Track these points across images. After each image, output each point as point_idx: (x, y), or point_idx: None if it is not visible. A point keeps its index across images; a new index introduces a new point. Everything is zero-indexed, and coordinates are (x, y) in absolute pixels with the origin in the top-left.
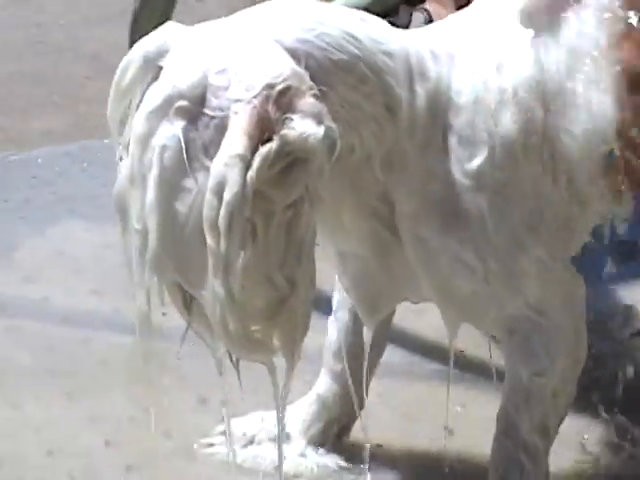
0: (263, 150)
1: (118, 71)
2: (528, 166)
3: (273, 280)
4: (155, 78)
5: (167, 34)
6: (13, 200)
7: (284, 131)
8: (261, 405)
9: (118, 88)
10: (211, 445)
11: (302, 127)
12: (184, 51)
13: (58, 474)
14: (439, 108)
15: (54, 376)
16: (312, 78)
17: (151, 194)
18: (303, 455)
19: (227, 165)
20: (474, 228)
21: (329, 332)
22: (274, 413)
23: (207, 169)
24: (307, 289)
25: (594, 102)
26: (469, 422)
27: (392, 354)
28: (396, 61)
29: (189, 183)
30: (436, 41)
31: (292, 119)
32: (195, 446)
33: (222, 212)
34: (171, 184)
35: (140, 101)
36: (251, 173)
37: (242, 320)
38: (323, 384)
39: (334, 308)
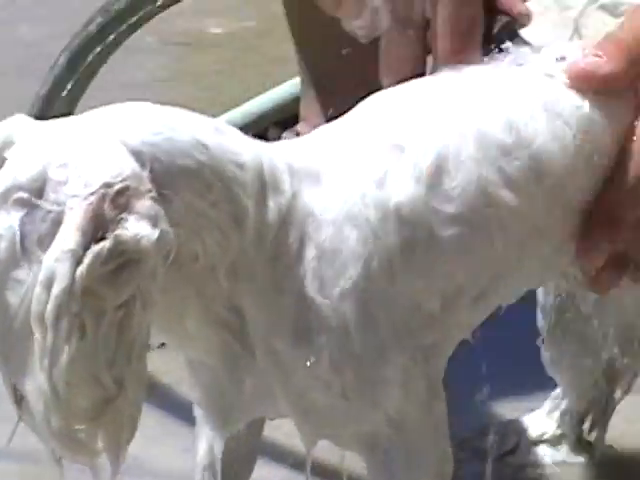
0: (95, 248)
1: None
2: (406, 281)
3: (100, 379)
4: None
5: (13, 127)
6: None
7: (118, 231)
8: None
9: None
10: None
11: (136, 228)
12: (28, 144)
13: None
14: (294, 223)
15: None
16: (156, 181)
17: None
18: None
19: (57, 260)
20: (332, 341)
21: (197, 447)
22: None
23: (41, 262)
24: (136, 391)
25: None
26: None
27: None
28: (247, 173)
29: (22, 275)
30: (296, 155)
31: (127, 219)
32: None
33: (49, 306)
34: (4, 275)
35: None
36: (81, 269)
37: (65, 418)
38: None
39: (198, 421)
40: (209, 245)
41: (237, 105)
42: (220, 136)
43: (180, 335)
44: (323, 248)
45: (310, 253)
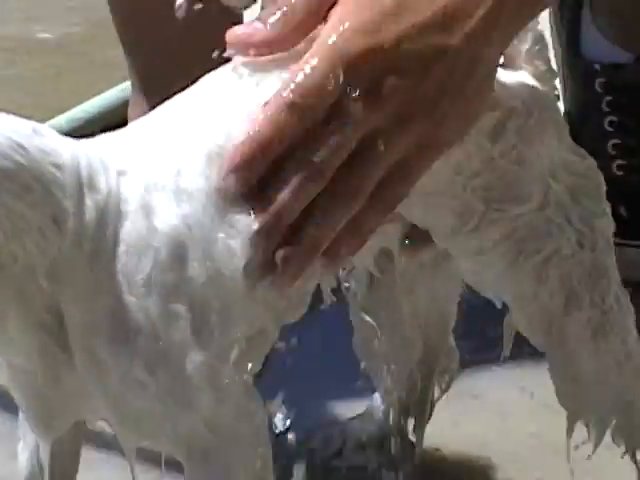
0: None
1: None
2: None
3: None
4: None
5: None
6: None
7: None
8: None
9: None
10: None
11: None
12: None
13: None
14: (109, 220)
15: None
16: None
17: None
18: None
19: None
20: (144, 341)
21: (20, 459)
22: None
23: None
24: None
25: None
26: None
27: None
28: (65, 173)
29: None
30: (109, 151)
31: None
32: None
33: None
34: None
35: None
36: None
37: None
38: None
39: (21, 432)
40: (29, 246)
41: (64, 110)
42: (38, 138)
43: (1, 340)
44: (128, 242)
45: (122, 250)
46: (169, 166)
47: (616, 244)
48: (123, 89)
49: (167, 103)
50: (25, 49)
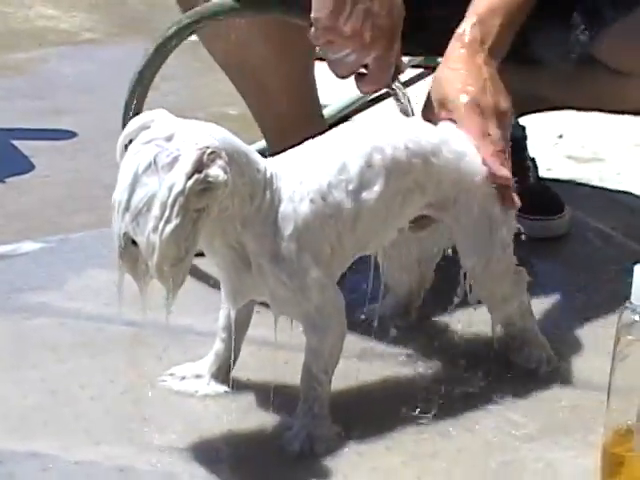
0: (196, 175)
1: (127, 126)
2: (321, 232)
3: (179, 245)
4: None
5: (153, 115)
6: None
7: (208, 170)
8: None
9: (126, 133)
10: (165, 380)
11: (216, 172)
12: (167, 120)
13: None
14: (274, 202)
15: None
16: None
17: (129, 177)
18: (208, 384)
19: (178, 176)
20: (287, 263)
21: (220, 316)
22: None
23: (162, 178)
24: (191, 257)
25: None
26: None
27: None
28: (259, 174)
29: (147, 180)
30: (279, 165)
31: (212, 167)
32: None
33: (170, 199)
34: (138, 177)
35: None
36: (188, 183)
37: (159, 260)
38: (216, 345)
39: (222, 299)
40: (236, 205)
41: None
42: (252, 153)
43: (211, 248)
44: (283, 215)
45: (280, 217)
46: (312, 175)
47: None
48: None
49: (319, 138)
50: None
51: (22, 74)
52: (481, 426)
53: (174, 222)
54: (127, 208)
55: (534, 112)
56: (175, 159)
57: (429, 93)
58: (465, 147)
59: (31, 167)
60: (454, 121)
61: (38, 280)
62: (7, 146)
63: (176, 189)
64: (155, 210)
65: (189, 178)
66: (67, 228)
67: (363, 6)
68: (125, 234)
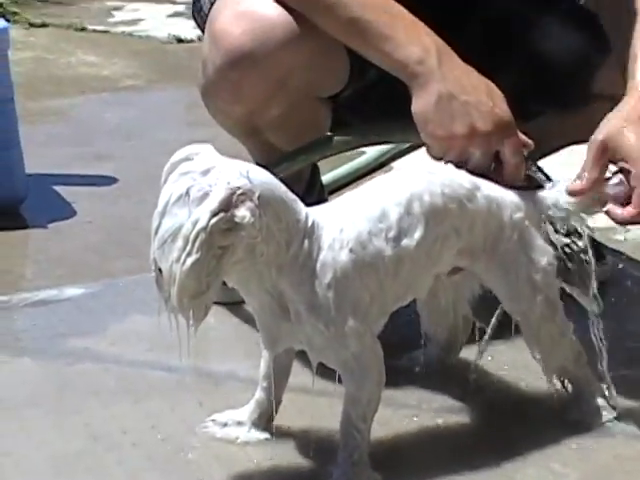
0: (222, 214)
1: (174, 155)
2: (360, 280)
3: (200, 279)
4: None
5: (197, 149)
6: None
7: (235, 210)
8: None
9: (171, 161)
10: (206, 427)
11: (243, 213)
12: (208, 155)
13: None
14: (313, 250)
15: None
16: (260, 202)
17: (161, 205)
18: (249, 431)
19: (203, 212)
20: (325, 312)
21: (261, 364)
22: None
23: (191, 211)
24: (213, 293)
25: None
26: None
27: None
28: (300, 223)
29: (178, 211)
30: (320, 214)
31: (240, 207)
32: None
33: (192, 234)
34: (169, 207)
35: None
36: (213, 221)
37: (179, 292)
38: (258, 392)
39: (262, 350)
40: (270, 250)
41: None
42: (293, 201)
43: (247, 292)
44: (323, 263)
45: (318, 265)
46: (352, 224)
47: None
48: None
49: (359, 189)
50: None
51: (64, 120)
52: (521, 475)
53: (194, 256)
54: (156, 234)
55: (552, 152)
56: (205, 194)
57: None
58: (497, 192)
59: (73, 213)
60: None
61: (81, 325)
62: (49, 192)
63: (200, 224)
64: (179, 241)
65: (214, 215)
66: (109, 273)
67: (460, 101)
68: (155, 260)
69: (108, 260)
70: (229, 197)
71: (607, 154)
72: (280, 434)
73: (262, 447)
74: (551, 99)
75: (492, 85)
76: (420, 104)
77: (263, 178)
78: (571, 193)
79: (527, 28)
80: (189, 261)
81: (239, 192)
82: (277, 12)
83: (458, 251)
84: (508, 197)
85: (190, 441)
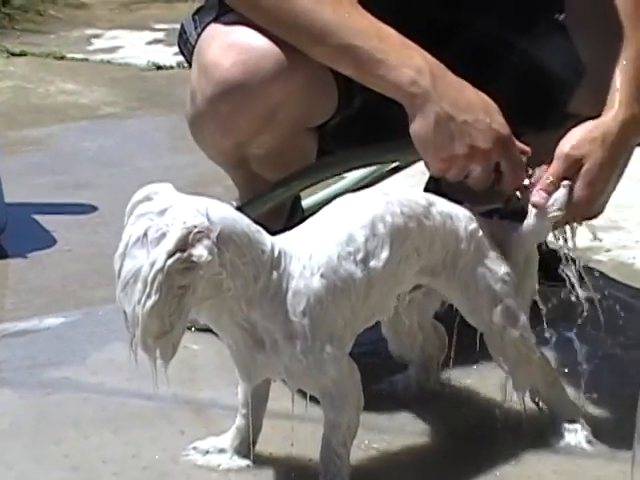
0: (178, 254)
1: (134, 196)
2: (334, 306)
3: (163, 320)
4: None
5: (157, 189)
6: None
7: (192, 250)
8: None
9: (131, 202)
10: (188, 454)
11: (200, 252)
12: (163, 196)
13: None
14: (283, 280)
15: None
16: (219, 239)
17: (122, 247)
18: (231, 458)
19: (160, 253)
20: (301, 340)
21: (239, 391)
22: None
23: (149, 252)
24: (179, 332)
25: None
26: None
27: None
28: (265, 255)
29: (137, 253)
30: (286, 242)
31: (197, 247)
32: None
33: (150, 276)
34: (130, 249)
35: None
36: (169, 262)
37: (143, 334)
38: (238, 420)
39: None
40: (237, 285)
41: None
42: (256, 233)
43: (219, 327)
44: (294, 291)
45: (289, 294)
46: (321, 249)
47: None
48: None
49: (320, 213)
50: None
51: (43, 149)
52: None
53: (154, 298)
54: (119, 277)
55: None
56: (163, 235)
57: None
58: (449, 207)
59: (53, 242)
60: None
61: (60, 355)
62: (29, 221)
63: (157, 266)
64: (139, 284)
65: (170, 256)
66: (89, 302)
67: (458, 121)
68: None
69: (88, 289)
70: (185, 237)
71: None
72: (262, 461)
73: (244, 474)
74: (529, 120)
75: (487, 99)
76: (418, 126)
77: (223, 214)
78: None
79: (506, 50)
80: (149, 303)
81: (196, 231)
82: (267, 43)
83: (419, 269)
84: (460, 210)
85: (172, 469)
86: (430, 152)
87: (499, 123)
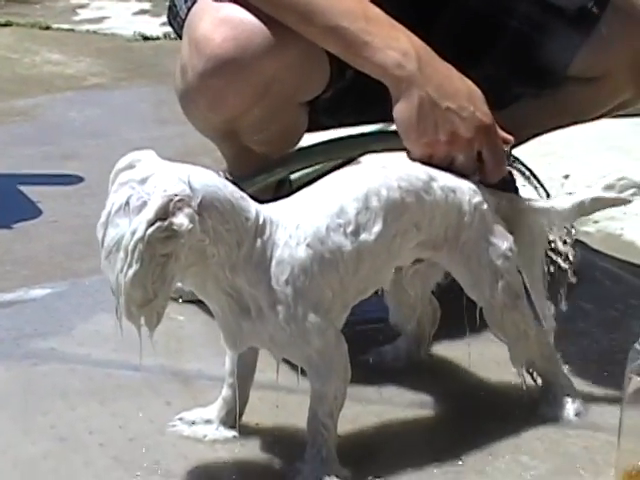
0: (159, 222)
1: (117, 163)
2: (321, 276)
3: (146, 288)
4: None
5: (139, 156)
6: None
7: (172, 218)
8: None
9: (115, 170)
10: (174, 425)
11: (181, 220)
12: (146, 164)
13: None
14: (267, 248)
15: None
16: (201, 206)
17: (105, 215)
18: (217, 429)
19: (140, 222)
20: (284, 308)
21: (226, 361)
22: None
23: (131, 220)
24: (163, 300)
25: None
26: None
27: None
28: (249, 222)
29: (120, 221)
30: (273, 211)
31: (178, 215)
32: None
33: (131, 244)
34: (112, 217)
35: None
36: (150, 230)
37: (127, 302)
38: (224, 390)
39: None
40: (221, 252)
41: None
42: (240, 200)
43: (205, 294)
44: (278, 259)
45: (273, 263)
46: (309, 220)
47: None
48: None
49: (315, 185)
50: None
51: (29, 120)
52: (491, 468)
53: (135, 266)
54: (102, 246)
55: (528, 140)
56: (144, 203)
57: None
58: (453, 181)
59: (38, 213)
60: None
61: (47, 326)
62: (14, 192)
63: (137, 235)
64: (121, 252)
65: (151, 225)
66: (75, 273)
67: (442, 107)
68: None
69: (74, 260)
70: (166, 205)
71: None
72: (248, 432)
73: (230, 445)
74: (530, 79)
75: (473, 86)
76: (402, 110)
77: (205, 180)
78: None
79: (506, 14)
80: (131, 272)
81: (176, 199)
82: (258, 18)
83: (419, 244)
84: (465, 184)
85: (158, 440)
86: (412, 137)
87: (482, 112)
